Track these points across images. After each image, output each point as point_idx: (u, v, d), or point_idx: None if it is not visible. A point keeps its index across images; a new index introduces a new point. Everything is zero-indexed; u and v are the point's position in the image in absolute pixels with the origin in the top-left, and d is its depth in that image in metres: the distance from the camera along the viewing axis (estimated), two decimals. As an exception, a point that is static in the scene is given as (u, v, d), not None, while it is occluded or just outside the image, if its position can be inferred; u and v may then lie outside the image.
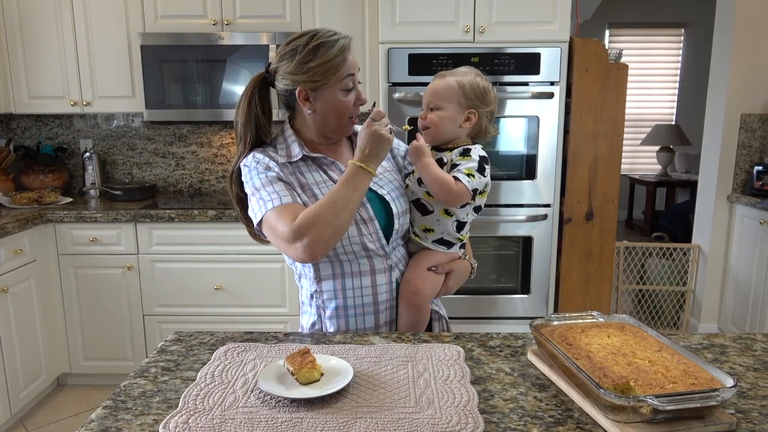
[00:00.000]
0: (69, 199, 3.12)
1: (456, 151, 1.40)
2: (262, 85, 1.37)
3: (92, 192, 3.29)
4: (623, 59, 2.93)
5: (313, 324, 1.41)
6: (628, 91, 2.89)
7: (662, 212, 5.96)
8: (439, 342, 1.24)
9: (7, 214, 2.73)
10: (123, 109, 3.11)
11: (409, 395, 1.00)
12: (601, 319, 1.19)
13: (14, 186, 3.27)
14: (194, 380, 1.07)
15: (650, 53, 6.68)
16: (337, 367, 1.07)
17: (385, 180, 1.41)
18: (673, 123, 6.57)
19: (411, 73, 2.76)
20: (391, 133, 1.31)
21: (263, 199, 1.27)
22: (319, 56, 1.28)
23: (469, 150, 1.39)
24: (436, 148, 1.42)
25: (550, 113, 2.78)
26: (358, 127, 1.42)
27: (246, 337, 1.27)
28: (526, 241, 2.91)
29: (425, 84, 1.45)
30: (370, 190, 1.36)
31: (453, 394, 1.01)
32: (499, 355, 1.19)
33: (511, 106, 2.79)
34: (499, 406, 0.98)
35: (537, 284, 2.94)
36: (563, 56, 2.75)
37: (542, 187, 2.85)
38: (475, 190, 1.35)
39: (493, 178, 2.78)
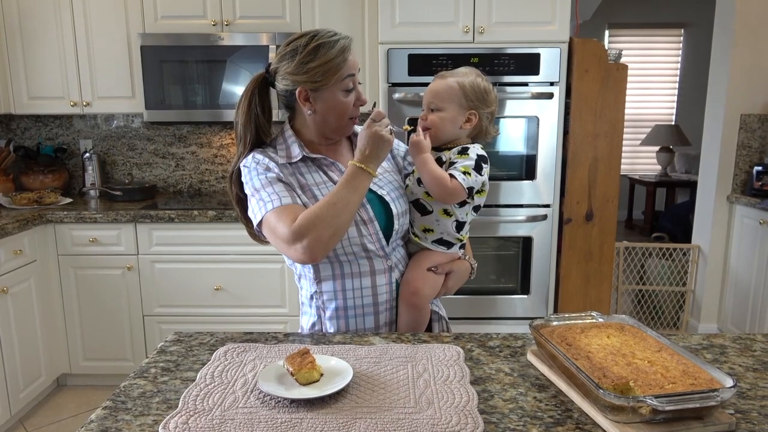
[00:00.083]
0: (69, 200, 3.12)
1: (455, 149, 1.40)
2: (262, 86, 1.37)
3: (92, 192, 3.29)
4: (623, 59, 2.93)
5: (313, 325, 1.41)
6: (628, 92, 2.90)
7: (662, 212, 5.96)
8: (439, 342, 1.24)
9: (7, 215, 2.73)
10: (123, 109, 3.11)
11: (408, 396, 1.00)
12: (600, 320, 1.19)
13: (14, 186, 3.27)
14: (194, 381, 1.07)
15: (650, 53, 6.68)
16: (336, 367, 1.07)
17: (384, 181, 1.41)
18: (673, 123, 6.57)
19: (411, 73, 2.76)
20: (391, 133, 1.31)
21: (263, 200, 1.27)
22: (319, 57, 1.28)
23: (467, 148, 1.39)
24: (436, 148, 1.42)
25: (550, 113, 2.78)
26: (358, 128, 1.42)
27: (246, 338, 1.28)
28: (526, 242, 2.91)
29: (425, 84, 1.45)
30: (370, 190, 1.36)
31: (453, 394, 1.01)
32: (498, 355, 1.19)
33: (511, 107, 2.79)
34: (499, 406, 0.98)
35: (537, 285, 2.94)
36: (563, 56, 2.75)
37: (542, 188, 2.85)
38: (471, 189, 1.35)
39: (492, 178, 2.81)
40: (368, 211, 1.34)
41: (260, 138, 1.38)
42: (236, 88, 2.94)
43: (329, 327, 1.39)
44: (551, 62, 2.75)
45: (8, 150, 3.24)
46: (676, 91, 6.73)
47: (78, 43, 3.00)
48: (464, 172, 1.33)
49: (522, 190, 2.86)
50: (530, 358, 1.16)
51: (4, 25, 2.98)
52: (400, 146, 1.55)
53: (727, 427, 0.89)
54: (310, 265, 1.35)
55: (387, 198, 1.37)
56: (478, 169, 1.36)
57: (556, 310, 2.99)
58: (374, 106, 1.40)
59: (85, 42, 3.00)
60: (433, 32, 2.74)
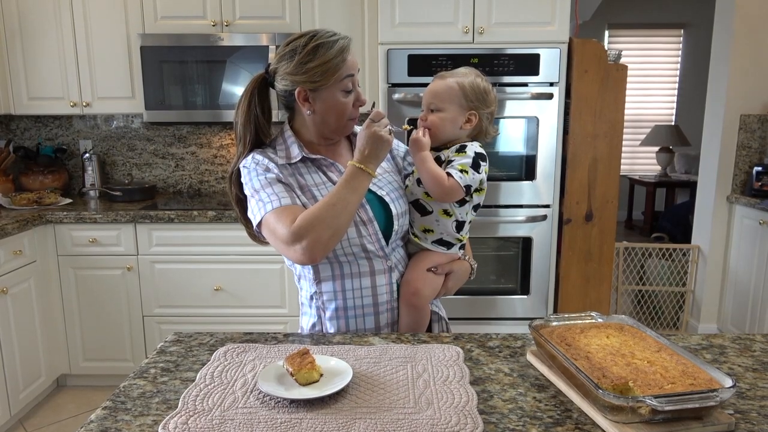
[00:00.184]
0: (68, 200, 3.12)
1: (453, 147, 1.40)
2: (262, 86, 1.37)
3: (92, 193, 3.29)
4: (622, 60, 2.93)
5: (314, 325, 1.41)
6: (628, 92, 2.90)
7: (662, 213, 5.97)
8: (439, 343, 1.24)
9: (7, 215, 2.73)
10: (123, 110, 3.11)
11: (408, 396, 1.00)
12: (600, 320, 1.19)
13: (14, 187, 3.27)
14: (194, 381, 1.07)
15: (650, 54, 6.68)
16: (336, 367, 1.07)
17: (384, 181, 1.41)
18: (673, 124, 6.58)
19: (410, 73, 2.76)
20: (390, 133, 1.30)
21: (262, 200, 1.27)
22: (318, 57, 1.28)
23: (465, 146, 1.38)
24: (435, 148, 1.42)
25: (550, 114, 2.78)
26: (357, 128, 1.42)
27: (245, 338, 1.28)
28: (526, 242, 2.91)
29: (425, 85, 1.45)
30: (370, 191, 1.36)
31: (452, 394, 1.01)
32: (498, 355, 1.19)
33: (511, 107, 2.79)
34: (498, 406, 0.98)
35: (536, 285, 2.94)
36: (562, 57, 2.75)
37: (542, 188, 2.85)
38: (468, 187, 1.34)
39: (492, 178, 2.82)
40: (368, 211, 1.34)
41: (260, 138, 1.38)
42: (236, 89, 2.94)
43: (329, 327, 1.39)
44: (551, 62, 2.75)
45: (8, 150, 3.25)
46: (675, 92, 6.73)
47: (78, 44, 3.00)
48: (461, 170, 1.33)
49: (522, 191, 2.86)
50: (530, 358, 1.16)
51: (3, 26, 2.98)
52: (399, 147, 1.55)
53: (726, 427, 0.90)
54: (309, 266, 1.35)
55: (387, 198, 1.37)
56: (475, 166, 1.35)
57: (555, 311, 2.99)
58: (373, 106, 1.40)
59: (85, 42, 3.00)
60: (433, 32, 2.74)
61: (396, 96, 2.76)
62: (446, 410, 0.95)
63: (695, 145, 5.35)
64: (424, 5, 2.72)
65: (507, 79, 2.77)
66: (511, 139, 2.89)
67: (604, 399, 0.88)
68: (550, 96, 2.76)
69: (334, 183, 1.33)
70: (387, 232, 1.37)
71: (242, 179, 1.35)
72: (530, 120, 2.80)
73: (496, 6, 2.72)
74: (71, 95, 3.05)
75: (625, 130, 2.90)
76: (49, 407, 2.87)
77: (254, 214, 1.30)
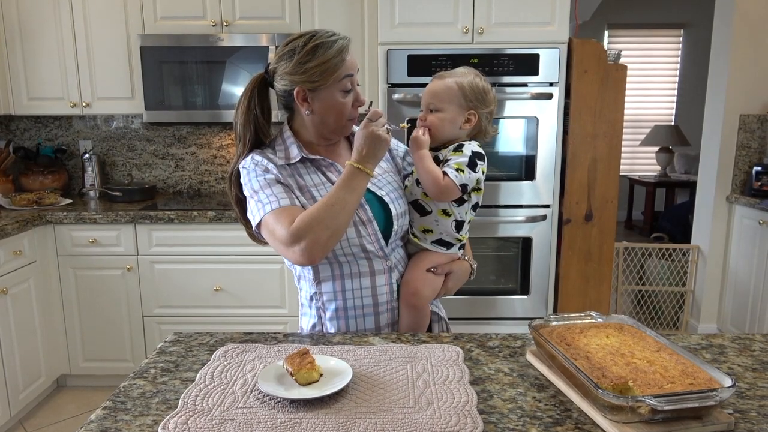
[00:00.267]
0: (68, 201, 3.12)
1: (450, 146, 1.39)
2: (262, 86, 1.37)
3: (92, 193, 3.29)
4: (622, 60, 2.93)
5: (314, 326, 1.41)
6: (627, 92, 2.90)
7: (661, 213, 5.97)
8: (438, 343, 1.24)
9: (7, 216, 2.73)
10: (122, 110, 3.11)
11: (408, 396, 1.00)
12: (599, 320, 1.19)
13: (14, 187, 3.27)
14: (193, 381, 1.07)
15: (649, 54, 6.68)
16: (336, 367, 1.07)
17: (384, 181, 1.41)
18: (673, 124, 6.58)
19: (410, 74, 2.76)
20: (388, 132, 1.30)
21: (261, 201, 1.27)
22: (317, 57, 1.28)
23: (462, 145, 1.38)
24: (435, 148, 1.42)
25: (549, 114, 2.78)
26: (356, 128, 1.42)
27: (245, 338, 1.28)
28: (526, 242, 2.91)
29: (424, 85, 1.44)
30: (369, 191, 1.36)
31: (452, 394, 1.01)
32: (498, 355, 1.19)
33: (510, 107, 2.80)
34: (498, 406, 0.98)
35: (536, 285, 2.94)
36: (562, 57, 2.75)
37: (541, 188, 2.85)
38: (464, 186, 1.34)
39: (492, 178, 2.82)
40: (367, 211, 1.34)
41: (259, 139, 1.38)
42: (236, 89, 2.94)
43: (329, 328, 1.39)
44: (550, 63, 2.75)
45: (8, 151, 3.25)
46: (675, 92, 6.73)
47: (78, 44, 3.00)
48: (457, 169, 1.33)
49: (521, 191, 2.86)
50: (529, 358, 1.16)
51: (3, 26, 2.98)
52: (399, 147, 1.55)
53: (725, 427, 0.90)
54: (309, 267, 1.35)
55: (386, 198, 1.37)
56: (472, 165, 1.35)
57: (555, 311, 2.99)
58: (370, 105, 1.39)
59: (85, 43, 3.00)
60: (433, 33, 2.74)
61: (396, 96, 2.76)
62: (446, 410, 0.96)
63: (695, 145, 5.35)
64: (424, 5, 2.72)
65: (507, 79, 2.77)
66: (510, 139, 2.89)
67: (604, 398, 0.89)
68: (549, 96, 2.76)
69: (333, 183, 1.33)
70: (386, 232, 1.37)
71: (241, 180, 1.35)
72: (530, 120, 2.80)
73: (495, 6, 2.72)
74: (71, 96, 3.06)
75: (624, 130, 2.90)
76: (49, 407, 2.87)
77: (253, 215, 1.30)
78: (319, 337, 1.30)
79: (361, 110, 1.38)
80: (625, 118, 2.90)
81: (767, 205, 3.12)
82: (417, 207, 1.42)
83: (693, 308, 3.67)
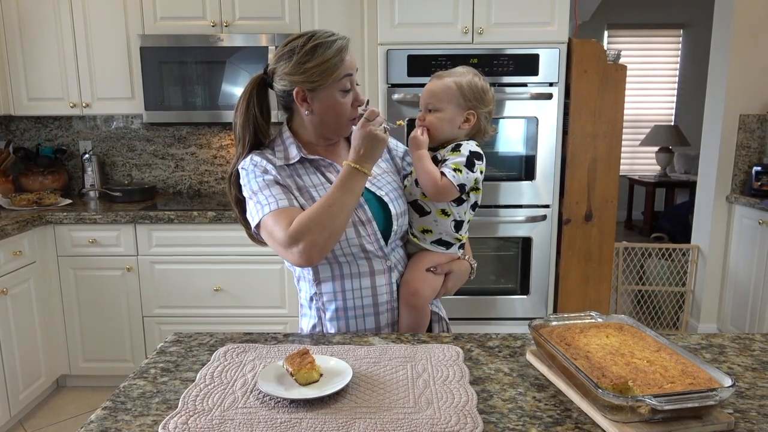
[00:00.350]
0: (68, 201, 3.12)
1: (449, 146, 1.39)
2: (261, 87, 1.37)
3: (91, 193, 3.29)
4: (622, 60, 2.93)
5: (314, 326, 1.41)
6: (627, 92, 2.90)
7: (661, 213, 5.97)
8: (438, 343, 1.24)
9: (7, 216, 2.73)
10: (122, 110, 3.11)
11: (408, 396, 1.00)
12: (599, 320, 1.19)
13: (14, 188, 3.27)
14: (193, 381, 1.07)
15: (649, 54, 6.68)
16: (336, 367, 1.07)
17: (383, 181, 1.41)
18: (672, 124, 6.58)
19: (410, 74, 2.76)
20: (385, 132, 1.29)
21: (260, 202, 1.27)
22: (316, 57, 1.28)
23: (460, 145, 1.38)
24: (434, 148, 1.42)
25: (549, 114, 2.78)
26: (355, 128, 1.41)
27: (245, 338, 1.28)
28: (526, 242, 2.91)
29: (424, 85, 1.44)
30: (369, 191, 1.36)
31: (452, 394, 1.01)
32: (498, 355, 1.19)
33: (510, 107, 2.80)
34: (498, 406, 0.98)
35: (536, 285, 2.94)
36: (562, 57, 2.75)
37: (541, 188, 2.85)
38: (462, 186, 1.34)
39: (492, 178, 2.82)
40: (366, 211, 1.34)
41: (259, 139, 1.37)
42: (235, 89, 2.94)
43: (329, 328, 1.39)
44: (550, 63, 2.75)
45: (8, 151, 3.25)
46: (675, 92, 6.73)
47: (77, 45, 3.00)
48: (455, 169, 1.33)
49: (521, 191, 2.86)
50: (529, 358, 1.16)
51: (3, 27, 2.98)
52: (399, 147, 1.55)
53: (725, 427, 0.90)
54: (309, 267, 1.35)
55: (385, 198, 1.37)
56: (470, 165, 1.34)
57: (555, 311, 2.99)
58: (367, 104, 1.38)
59: (85, 43, 3.00)
60: (433, 33, 2.74)
61: (395, 96, 2.76)
62: (446, 410, 0.96)
63: (695, 145, 5.36)
64: (424, 5, 2.72)
65: (506, 79, 2.78)
66: (510, 140, 2.89)
67: (604, 398, 0.89)
68: (549, 96, 2.76)
69: (332, 183, 1.33)
70: (386, 232, 1.36)
71: (241, 181, 1.35)
72: (530, 120, 2.81)
73: (495, 6, 2.72)
74: (71, 96, 3.06)
75: (624, 130, 2.90)
76: (49, 408, 2.86)
77: (252, 216, 1.30)
78: (319, 337, 1.30)
79: (360, 110, 1.38)
80: (625, 118, 2.90)
81: (767, 205, 3.12)
82: (416, 207, 1.42)
83: (693, 308, 3.67)
